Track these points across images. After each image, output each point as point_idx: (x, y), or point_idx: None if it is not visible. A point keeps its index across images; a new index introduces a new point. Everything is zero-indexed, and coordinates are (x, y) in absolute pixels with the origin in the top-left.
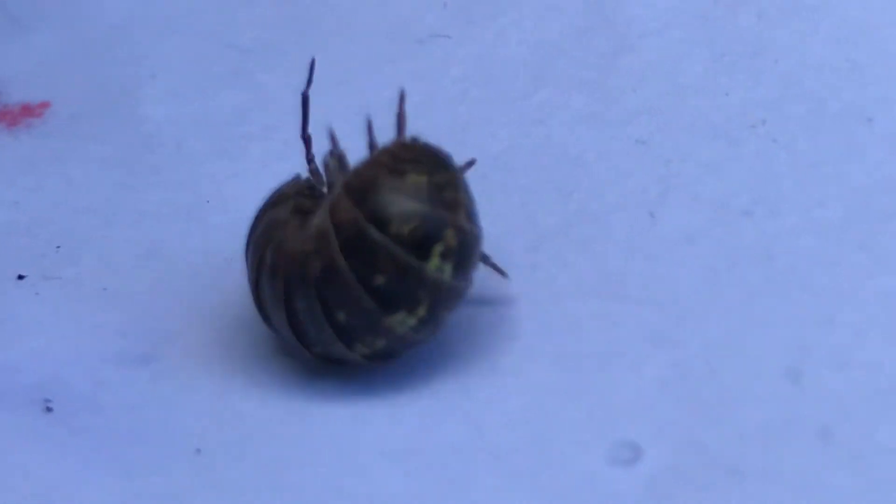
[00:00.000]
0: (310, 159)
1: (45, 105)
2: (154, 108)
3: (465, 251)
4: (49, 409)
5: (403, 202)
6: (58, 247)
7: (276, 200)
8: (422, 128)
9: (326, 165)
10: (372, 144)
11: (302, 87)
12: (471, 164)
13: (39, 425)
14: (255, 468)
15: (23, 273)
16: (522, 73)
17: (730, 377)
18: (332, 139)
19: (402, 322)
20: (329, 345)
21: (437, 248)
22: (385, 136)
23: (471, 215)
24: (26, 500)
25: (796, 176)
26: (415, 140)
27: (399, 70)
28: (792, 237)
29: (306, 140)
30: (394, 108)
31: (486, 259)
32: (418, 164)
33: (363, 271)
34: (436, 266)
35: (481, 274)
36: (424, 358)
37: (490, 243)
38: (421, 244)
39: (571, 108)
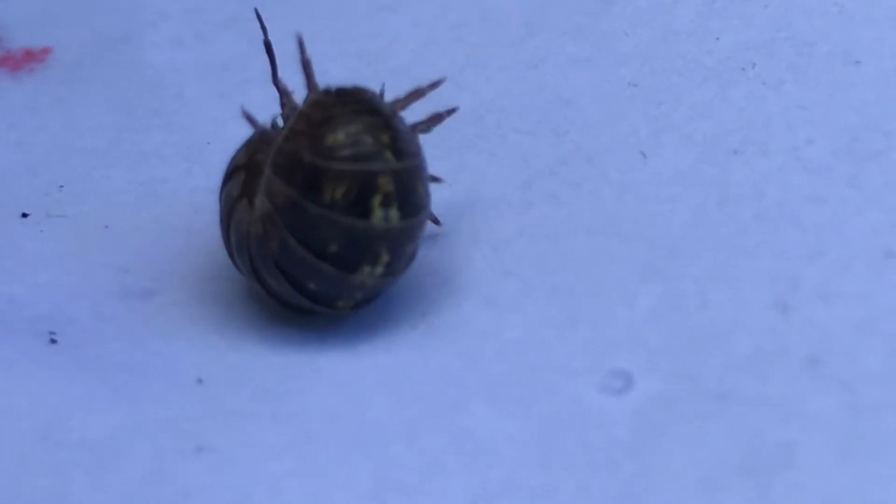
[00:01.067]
0: (282, 104)
1: (47, 50)
2: (155, 53)
3: (405, 189)
4: (54, 341)
5: (327, 168)
6: (61, 186)
7: (230, 173)
8: (420, 72)
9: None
10: (310, 85)
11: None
12: (452, 111)
13: (44, 356)
14: (254, 397)
15: (27, 211)
16: (517, 18)
17: (719, 309)
18: (282, 93)
19: (369, 274)
20: (311, 306)
21: (376, 200)
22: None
23: (400, 151)
24: (33, 428)
25: (785, 116)
26: (327, 92)
27: (397, 17)
28: (781, 175)
29: (278, 86)
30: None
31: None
32: (333, 121)
33: (314, 244)
34: (380, 217)
35: (477, 213)
36: (421, 292)
37: (485, 183)
38: (357, 203)
39: (565, 53)
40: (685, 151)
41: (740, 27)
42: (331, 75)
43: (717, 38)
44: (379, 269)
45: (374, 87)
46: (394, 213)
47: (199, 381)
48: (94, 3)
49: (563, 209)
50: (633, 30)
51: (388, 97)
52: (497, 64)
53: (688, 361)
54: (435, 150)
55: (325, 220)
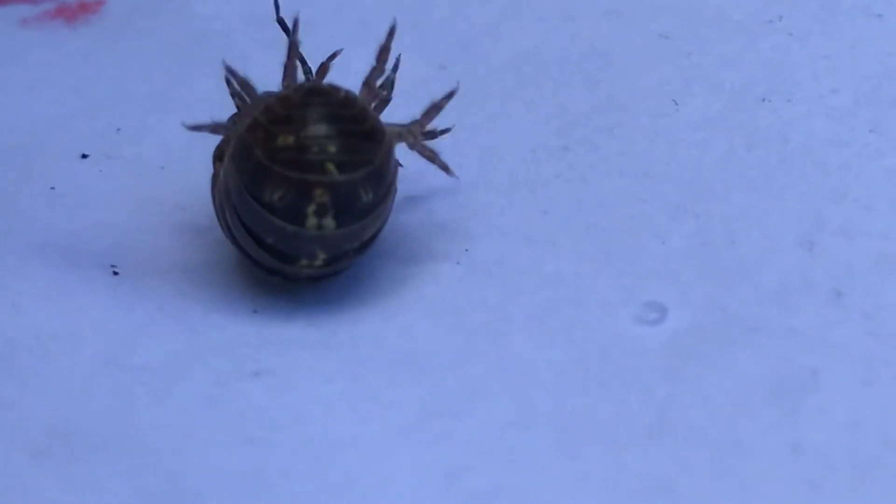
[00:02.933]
0: (284, 76)
1: (100, 2)
2: (203, 5)
3: (344, 200)
4: (115, 273)
5: (270, 169)
6: (118, 129)
7: (216, 156)
8: (456, 24)
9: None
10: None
11: None
12: (451, 94)
13: (107, 286)
14: (307, 326)
15: (86, 152)
16: None
17: (748, 246)
18: (230, 75)
19: (307, 265)
20: (278, 266)
21: (310, 209)
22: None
23: (345, 164)
24: (98, 353)
25: (810, 66)
26: (298, 88)
27: None
28: (806, 121)
29: (282, 24)
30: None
31: (435, 158)
32: (289, 122)
33: (254, 232)
34: (313, 224)
35: (516, 157)
36: (463, 230)
37: (523, 130)
38: (291, 209)
39: (598, 5)
40: (714, 99)
41: None
42: (372, 26)
43: None
44: (317, 262)
45: (414, 38)
46: (329, 222)
47: (255, 311)
48: None
49: (597, 153)
50: None
51: (431, 51)
52: (533, 15)
53: (718, 294)
54: (474, 97)
55: (262, 217)
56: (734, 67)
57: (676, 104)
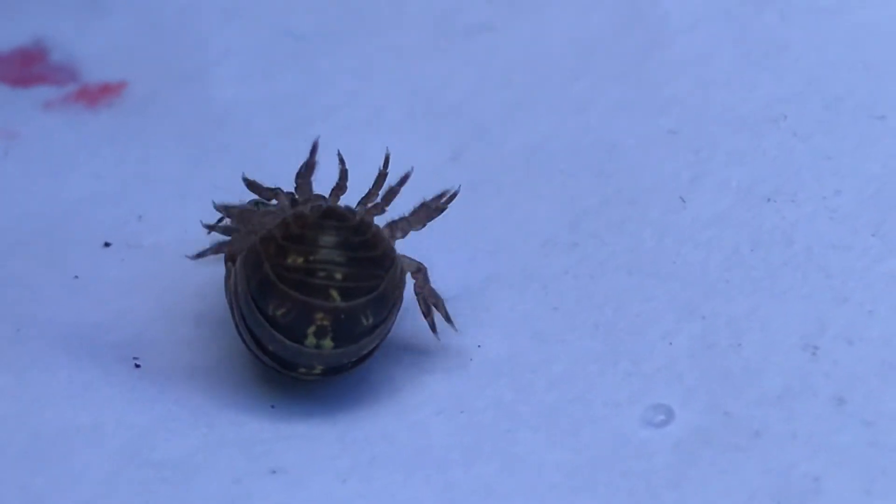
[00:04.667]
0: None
1: (122, 84)
2: (222, 89)
3: (344, 325)
4: (137, 366)
5: (276, 285)
6: (139, 217)
7: (227, 257)
8: (473, 111)
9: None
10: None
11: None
12: (451, 197)
13: (129, 380)
14: (322, 423)
15: (109, 241)
16: (563, 64)
17: (752, 349)
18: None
19: (306, 374)
20: (278, 368)
21: (310, 330)
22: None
23: (348, 291)
24: (121, 448)
25: (814, 167)
26: (315, 208)
27: (448, 59)
28: (810, 222)
29: (304, 173)
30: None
31: (439, 306)
32: (301, 241)
33: (258, 338)
34: (313, 343)
35: (527, 252)
36: (476, 325)
37: (534, 223)
38: (291, 328)
39: (608, 98)
40: (721, 197)
41: (773, 79)
42: (387, 112)
43: (752, 90)
44: (316, 372)
45: (428, 126)
46: (327, 342)
47: (272, 406)
48: (165, 38)
49: (606, 249)
50: (673, 78)
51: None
52: (545, 106)
53: (723, 398)
54: (487, 187)
55: (264, 327)
56: (740, 165)
57: (684, 201)
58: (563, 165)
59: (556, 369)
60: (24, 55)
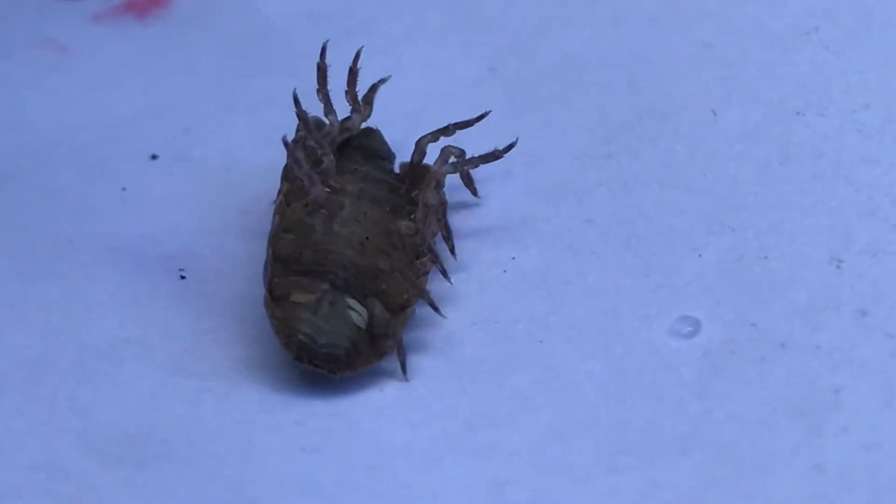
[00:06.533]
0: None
1: None
2: (266, 2)
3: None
4: (183, 277)
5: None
6: (186, 130)
7: (284, 175)
8: (505, 27)
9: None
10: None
11: None
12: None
13: (175, 291)
14: None
15: (156, 153)
16: None
17: (779, 262)
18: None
19: None
20: None
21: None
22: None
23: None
24: (168, 360)
25: (844, 80)
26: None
27: None
28: (838, 137)
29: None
30: None
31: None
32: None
33: None
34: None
35: (562, 165)
36: (510, 237)
37: (569, 136)
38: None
39: (642, 12)
40: (752, 111)
41: None
42: (426, 26)
43: (784, 3)
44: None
45: (465, 38)
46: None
47: None
48: None
49: (639, 162)
50: None
51: (481, 53)
52: (581, 19)
53: (749, 310)
54: (523, 101)
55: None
56: (771, 79)
57: (715, 115)
58: (598, 79)
59: (589, 281)
60: None
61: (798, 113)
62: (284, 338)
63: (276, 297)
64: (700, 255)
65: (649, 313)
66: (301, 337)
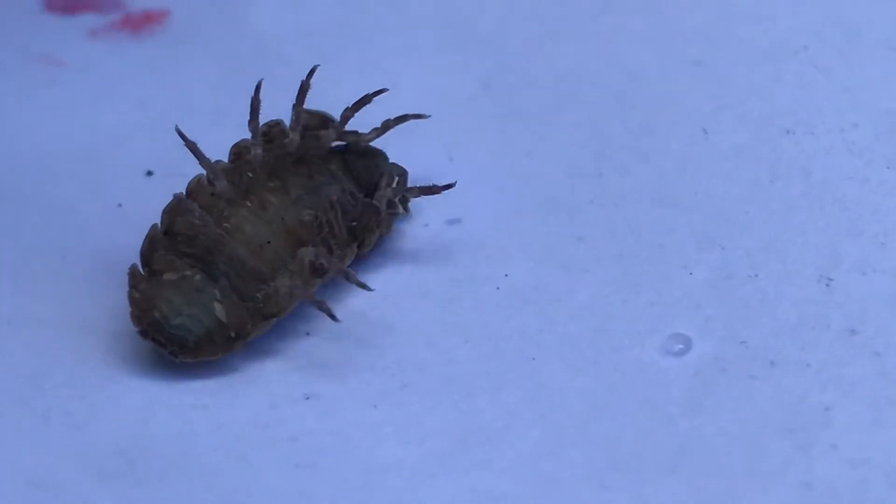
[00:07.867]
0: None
1: (165, 13)
2: (260, 18)
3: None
4: None
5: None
6: (181, 145)
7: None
8: (498, 45)
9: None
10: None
11: None
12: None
13: None
14: (354, 350)
15: (151, 169)
16: None
17: (769, 279)
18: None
19: None
20: None
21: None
22: None
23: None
24: (162, 376)
25: (833, 99)
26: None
27: None
28: (827, 155)
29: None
30: None
31: (349, 276)
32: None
33: None
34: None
35: (554, 181)
36: (502, 255)
37: (560, 153)
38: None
39: (634, 30)
40: (742, 129)
41: (793, 11)
42: (419, 43)
43: (773, 21)
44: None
45: (459, 55)
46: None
47: (307, 334)
48: None
49: (630, 180)
50: (696, 9)
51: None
52: (572, 39)
53: (739, 328)
54: (516, 118)
55: None
56: (760, 97)
57: (706, 132)
58: (589, 97)
59: (580, 298)
60: None
61: (787, 131)
62: (138, 310)
63: (152, 271)
64: (691, 273)
65: (640, 330)
66: (156, 314)
